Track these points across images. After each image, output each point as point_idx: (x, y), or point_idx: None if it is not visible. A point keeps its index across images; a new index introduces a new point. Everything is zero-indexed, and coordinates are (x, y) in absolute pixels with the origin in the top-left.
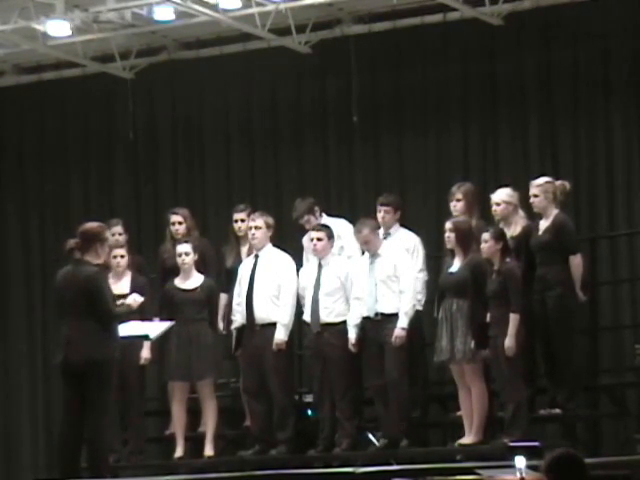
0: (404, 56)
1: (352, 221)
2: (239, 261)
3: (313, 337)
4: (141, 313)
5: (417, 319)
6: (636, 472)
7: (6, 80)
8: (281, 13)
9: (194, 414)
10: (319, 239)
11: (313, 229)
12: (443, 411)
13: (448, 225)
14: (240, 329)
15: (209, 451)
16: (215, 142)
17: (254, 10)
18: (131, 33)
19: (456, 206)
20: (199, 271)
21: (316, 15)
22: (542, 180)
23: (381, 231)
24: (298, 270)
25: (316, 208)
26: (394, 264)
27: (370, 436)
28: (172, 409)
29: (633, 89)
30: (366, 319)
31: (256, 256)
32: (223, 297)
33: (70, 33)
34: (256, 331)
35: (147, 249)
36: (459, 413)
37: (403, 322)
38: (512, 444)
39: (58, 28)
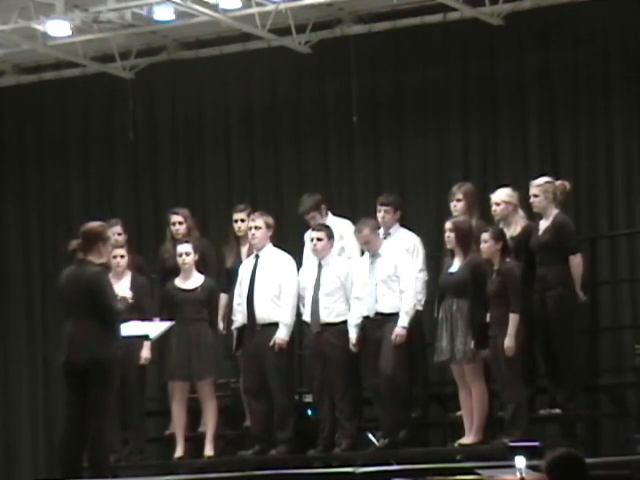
0: (404, 56)
1: (352, 221)
2: (239, 261)
3: (313, 337)
4: (141, 313)
5: (417, 319)
6: (636, 472)
7: (6, 80)
8: (281, 13)
9: (194, 414)
10: (319, 239)
11: (313, 229)
12: (443, 411)
13: (448, 225)
14: (241, 329)
15: (209, 451)
16: (215, 142)
17: (254, 10)
18: (131, 33)
19: (456, 206)
20: (199, 271)
21: (316, 15)
22: (542, 180)
23: (381, 231)
24: (299, 270)
25: (323, 206)
26: (394, 264)
27: (370, 436)
28: (172, 409)
29: (633, 89)
30: (366, 319)
31: (257, 256)
32: (223, 297)
33: (70, 33)
34: (257, 331)
35: (147, 249)
36: (459, 413)
37: (404, 321)
38: (512, 444)
39: (58, 28)
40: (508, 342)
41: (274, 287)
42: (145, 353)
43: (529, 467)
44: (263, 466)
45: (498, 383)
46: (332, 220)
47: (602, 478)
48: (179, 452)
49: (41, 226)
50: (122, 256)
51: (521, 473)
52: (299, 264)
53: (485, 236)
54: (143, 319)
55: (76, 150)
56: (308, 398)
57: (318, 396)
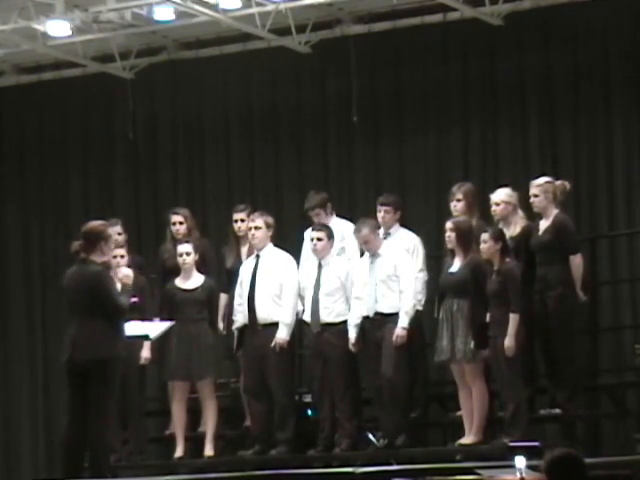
0: (404, 56)
1: (353, 222)
2: (239, 261)
3: (313, 337)
4: (141, 313)
5: (417, 319)
6: (636, 472)
7: (6, 80)
8: (281, 13)
9: (194, 414)
10: (319, 239)
11: (313, 229)
12: (443, 411)
13: (449, 225)
14: (241, 329)
15: (209, 451)
16: (215, 142)
17: (254, 10)
18: (131, 33)
19: (456, 206)
20: (199, 271)
21: (316, 15)
22: (542, 180)
23: (381, 231)
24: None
25: (329, 204)
26: (394, 264)
27: (370, 436)
28: (172, 409)
29: (633, 89)
30: (366, 319)
31: (257, 256)
32: (223, 297)
33: (70, 33)
34: (258, 331)
35: (147, 249)
36: (459, 413)
37: (404, 322)
38: (512, 444)
39: (58, 28)
40: (508, 342)
41: (275, 287)
42: (145, 353)
43: (529, 467)
44: (263, 466)
45: (498, 383)
46: (335, 221)
47: (602, 478)
48: (179, 452)
49: (41, 226)
50: (122, 256)
51: (521, 473)
52: (298, 263)
53: (485, 236)
54: (143, 319)
55: (76, 150)
56: (308, 398)
57: (318, 396)
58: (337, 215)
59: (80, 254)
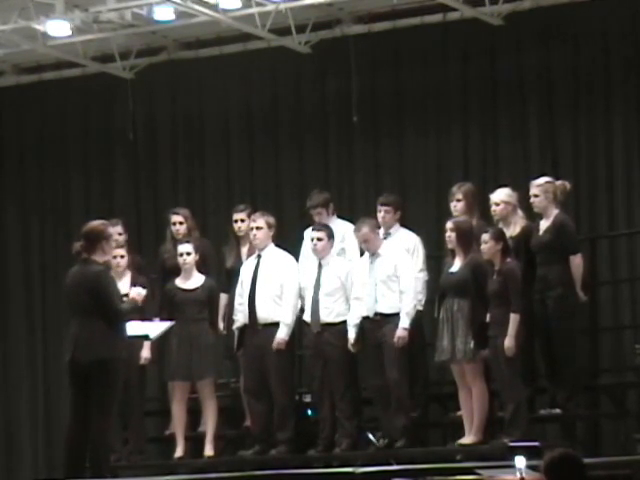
0: (404, 56)
1: (353, 222)
2: (239, 261)
3: (313, 337)
4: (141, 313)
5: (417, 319)
6: (636, 472)
7: (6, 80)
8: (281, 13)
9: (194, 414)
10: (319, 239)
11: (313, 229)
12: (443, 411)
13: (449, 225)
14: (242, 329)
15: (209, 451)
16: (215, 142)
17: (254, 10)
18: (131, 33)
19: (456, 206)
20: (200, 271)
21: (316, 15)
22: (542, 180)
23: (381, 231)
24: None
25: (331, 204)
26: (394, 264)
27: (370, 436)
28: (172, 409)
29: (633, 89)
30: (365, 319)
31: (258, 256)
32: (223, 297)
33: (70, 33)
34: (258, 331)
35: (147, 249)
36: (459, 413)
37: (405, 322)
38: (512, 444)
39: (58, 28)
40: (508, 342)
41: (276, 287)
42: (145, 353)
43: (529, 467)
44: (263, 466)
45: (498, 383)
46: (336, 222)
47: (602, 478)
48: (179, 452)
49: (41, 226)
50: (122, 256)
51: (521, 473)
52: (298, 262)
53: (485, 237)
54: (143, 319)
55: (76, 150)
56: (308, 398)
57: (318, 396)
58: (337, 216)
59: (82, 254)
